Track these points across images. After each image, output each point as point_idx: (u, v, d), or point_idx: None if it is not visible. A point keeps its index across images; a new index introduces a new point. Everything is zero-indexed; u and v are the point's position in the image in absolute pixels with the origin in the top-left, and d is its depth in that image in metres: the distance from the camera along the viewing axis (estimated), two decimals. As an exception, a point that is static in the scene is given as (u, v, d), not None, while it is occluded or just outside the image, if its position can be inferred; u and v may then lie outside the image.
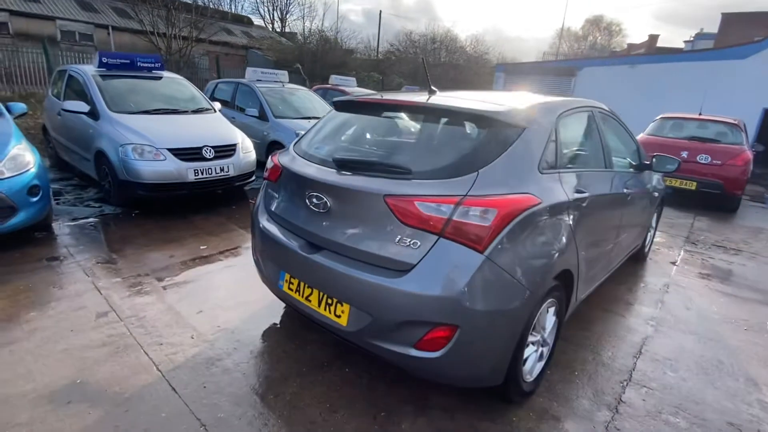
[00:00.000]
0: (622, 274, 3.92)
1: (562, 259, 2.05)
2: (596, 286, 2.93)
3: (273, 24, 36.89)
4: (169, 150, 4.62)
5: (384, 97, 2.34)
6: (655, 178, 3.89)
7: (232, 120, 6.34)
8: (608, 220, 2.74)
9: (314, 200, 2.05)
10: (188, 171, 4.66)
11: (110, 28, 24.23)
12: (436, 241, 1.74)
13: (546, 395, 2.24)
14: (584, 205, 2.28)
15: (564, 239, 2.06)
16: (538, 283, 1.86)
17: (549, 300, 2.09)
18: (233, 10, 35.60)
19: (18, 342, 2.37)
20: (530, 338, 2.04)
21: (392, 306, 1.79)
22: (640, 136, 7.67)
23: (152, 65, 5.86)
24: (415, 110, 2.22)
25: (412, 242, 1.77)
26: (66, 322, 2.59)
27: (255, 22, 35.18)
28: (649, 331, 2.96)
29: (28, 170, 3.61)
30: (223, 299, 2.99)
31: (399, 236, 1.80)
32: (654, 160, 3.51)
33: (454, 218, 1.70)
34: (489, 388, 1.98)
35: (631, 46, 32.23)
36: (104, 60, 5.48)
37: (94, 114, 4.95)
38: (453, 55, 33.50)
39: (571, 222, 2.12)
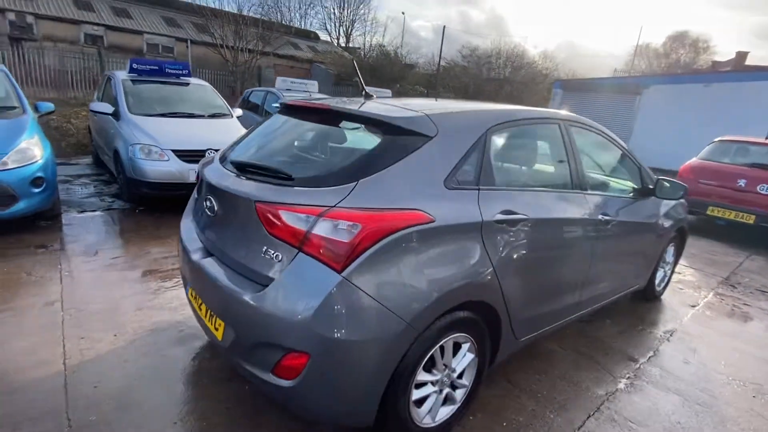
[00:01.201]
0: (618, 313, 3.42)
1: (468, 288, 1.77)
2: (558, 327, 2.54)
3: (338, 39, 38.22)
4: (173, 151, 4.81)
5: (306, 101, 2.20)
6: (668, 206, 3.36)
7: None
8: (571, 250, 2.37)
9: (207, 203, 1.96)
10: (190, 172, 4.82)
11: (189, 41, 26.40)
12: (296, 255, 1.56)
13: (456, 445, 1.94)
14: (516, 228, 1.97)
15: (472, 266, 1.78)
16: (421, 314, 1.60)
17: (453, 335, 1.82)
18: (303, 26, 37.42)
19: (-41, 321, 2.51)
20: (423, 377, 1.78)
21: (250, 324, 1.63)
22: (691, 161, 6.84)
23: (180, 72, 6.21)
24: (327, 115, 2.06)
25: (275, 254, 1.61)
26: (12, 307, 2.71)
27: (321, 38, 36.70)
28: (621, 384, 2.51)
29: (33, 163, 3.90)
30: (169, 299, 2.98)
31: (265, 247, 1.64)
32: (658, 184, 3.04)
33: (313, 231, 1.52)
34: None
35: (716, 63, 29.28)
36: (135, 66, 5.88)
37: (116, 115, 5.31)
38: (518, 71, 32.66)
39: (487, 247, 1.83)
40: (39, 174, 3.91)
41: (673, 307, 3.71)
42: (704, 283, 4.40)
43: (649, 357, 2.84)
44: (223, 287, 1.73)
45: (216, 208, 1.89)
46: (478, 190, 1.88)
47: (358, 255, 1.51)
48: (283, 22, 33.36)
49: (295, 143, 2.15)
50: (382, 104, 2.04)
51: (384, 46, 29.70)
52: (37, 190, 3.90)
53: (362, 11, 38.47)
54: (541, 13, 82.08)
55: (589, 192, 2.53)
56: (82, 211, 4.70)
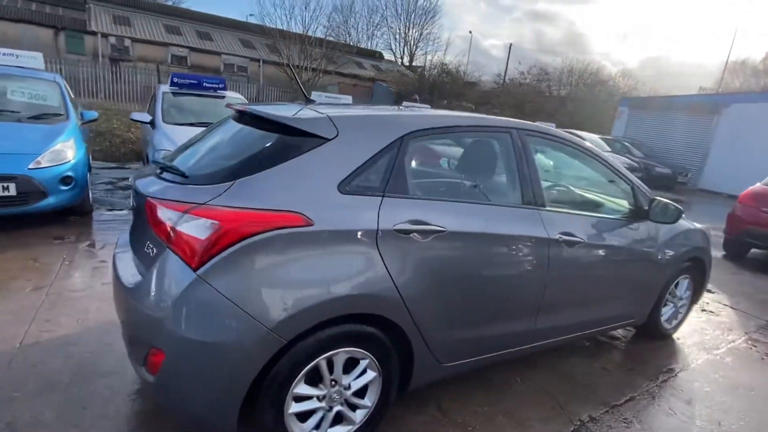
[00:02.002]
0: (610, 350, 3.03)
1: (356, 300, 1.66)
2: (507, 356, 2.30)
3: (402, 58, 38.99)
4: (192, 157, 5.13)
5: (240, 106, 2.23)
6: (674, 232, 2.95)
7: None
8: (513, 271, 2.14)
9: (133, 202, 2.05)
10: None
11: (261, 61, 28.40)
12: (163, 250, 1.57)
13: (349, 469, 1.81)
14: (428, 241, 1.82)
15: (361, 276, 1.67)
16: (289, 321, 1.53)
17: (343, 349, 1.71)
18: (370, 46, 38.71)
19: (-43, 297, 2.83)
20: (304, 390, 1.69)
21: (127, 317, 1.67)
22: (754, 186, 6.00)
23: (216, 86, 6.66)
24: (249, 117, 2.06)
25: (152, 248, 1.64)
26: (4, 288, 3.01)
27: (386, 57, 37.69)
28: (571, 429, 2.20)
29: (64, 163, 4.36)
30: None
31: (147, 242, 1.68)
32: (652, 205, 2.69)
33: (177, 227, 1.52)
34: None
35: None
36: (175, 80, 6.41)
37: (153, 123, 5.80)
38: (592, 89, 31.14)
39: (385, 257, 1.71)
40: (69, 173, 4.35)
41: (685, 349, 3.22)
42: (740, 325, 3.77)
43: (624, 401, 2.47)
44: (118, 279, 1.79)
45: (135, 207, 1.97)
46: (382, 196, 1.77)
47: (216, 254, 1.48)
48: (350, 43, 34.86)
49: (218, 145, 2.18)
50: (305, 108, 2.01)
51: (446, 65, 29.81)
52: (65, 188, 4.33)
53: (427, 31, 38.89)
54: (625, 28, 77.57)
55: (547, 209, 2.29)
56: (110, 209, 5.15)
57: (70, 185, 4.37)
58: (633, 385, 2.64)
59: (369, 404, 1.87)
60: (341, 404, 1.80)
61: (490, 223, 2.04)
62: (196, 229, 1.50)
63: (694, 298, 3.38)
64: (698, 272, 3.29)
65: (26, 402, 1.99)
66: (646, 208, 2.71)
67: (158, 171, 1.93)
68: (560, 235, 2.27)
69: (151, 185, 1.76)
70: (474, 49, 59.35)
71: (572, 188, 2.99)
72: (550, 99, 23.26)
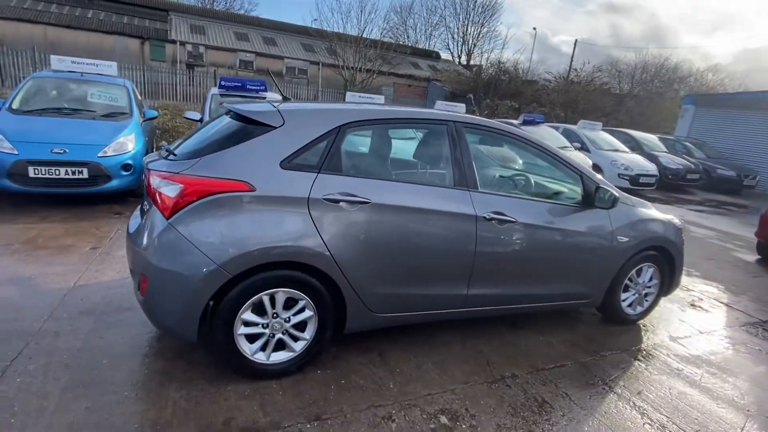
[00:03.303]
0: (564, 329, 3.26)
1: (290, 250, 2.15)
2: (440, 317, 2.69)
3: (459, 57, 38.84)
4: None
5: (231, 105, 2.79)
6: (633, 219, 3.12)
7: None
8: (438, 241, 2.51)
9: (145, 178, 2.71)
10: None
11: (320, 64, 29.81)
12: (150, 206, 2.18)
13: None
14: (355, 210, 2.28)
15: (294, 232, 2.16)
16: (233, 261, 2.06)
17: (282, 289, 2.22)
18: (428, 46, 39.01)
19: (26, 246, 3.74)
20: (251, 317, 2.21)
21: (129, 255, 2.31)
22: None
23: (258, 87, 7.47)
24: (231, 112, 2.61)
25: (147, 206, 2.26)
26: (70, 245, 3.88)
27: (443, 56, 37.76)
28: (484, 386, 2.53)
29: (125, 153, 5.31)
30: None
31: (145, 202, 2.30)
32: (597, 193, 2.91)
33: (159, 189, 2.12)
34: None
35: None
36: (223, 83, 7.30)
37: (201, 121, 6.71)
38: (670, 85, 29.17)
39: (315, 220, 2.19)
40: (128, 161, 5.29)
41: (643, 334, 3.35)
42: (725, 321, 3.77)
43: (552, 367, 2.74)
44: (127, 231, 2.45)
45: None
46: (318, 173, 2.26)
47: (181, 208, 2.06)
48: (408, 44, 35.40)
49: (205, 133, 2.77)
50: (269, 103, 2.54)
51: (503, 63, 29.37)
52: (126, 174, 5.28)
53: (486, 29, 38.40)
54: (717, 19, 70.57)
55: (479, 191, 2.64)
56: (163, 193, 6.09)
57: (129, 171, 5.31)
58: (569, 357, 2.89)
59: (307, 337, 2.37)
60: (282, 333, 2.32)
61: (416, 199, 2.45)
62: (170, 190, 2.08)
63: (664, 288, 3.48)
64: (665, 263, 3.40)
65: (70, 320, 2.72)
66: (593, 195, 2.94)
67: (165, 153, 2.56)
68: (490, 214, 2.61)
69: (152, 162, 2.39)
70: (542, 45, 57.32)
71: (530, 177, 3.26)
72: (608, 97, 22.10)
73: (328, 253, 2.24)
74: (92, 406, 2.02)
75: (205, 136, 2.45)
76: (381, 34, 29.67)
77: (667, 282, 3.48)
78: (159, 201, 2.11)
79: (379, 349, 2.73)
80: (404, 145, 2.95)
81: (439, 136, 2.65)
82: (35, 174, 4.79)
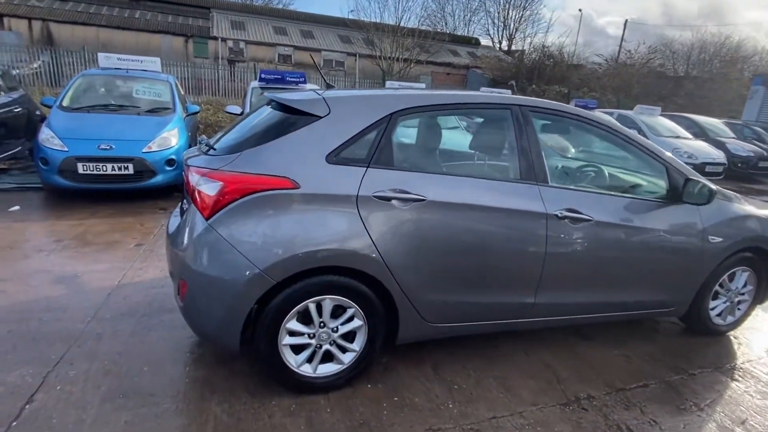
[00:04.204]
0: (634, 337, 2.88)
1: (337, 254, 1.93)
2: (504, 327, 2.39)
3: (500, 43, 37.47)
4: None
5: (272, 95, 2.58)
6: (724, 216, 2.68)
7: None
8: (503, 243, 2.21)
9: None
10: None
11: (357, 55, 29.60)
12: (189, 205, 2.01)
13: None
14: (408, 207, 2.02)
15: (342, 234, 1.93)
16: (277, 265, 1.86)
17: (329, 296, 2.00)
18: (467, 33, 37.89)
19: (74, 243, 3.74)
20: (296, 326, 2.02)
21: (168, 256, 2.15)
22: None
23: (297, 80, 7.34)
24: (272, 102, 2.40)
25: (186, 204, 2.09)
26: (115, 242, 3.86)
27: (483, 43, 36.56)
28: (557, 410, 2.22)
29: (169, 148, 5.30)
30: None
31: (185, 199, 2.14)
32: (686, 186, 2.50)
33: (198, 186, 1.94)
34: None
35: None
36: (263, 76, 7.22)
37: (242, 113, 6.65)
38: (733, 65, 26.91)
39: (365, 220, 1.95)
40: (172, 156, 5.28)
41: (737, 348, 2.90)
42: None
43: (634, 387, 2.38)
44: (167, 231, 2.31)
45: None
46: (367, 167, 2.02)
47: (222, 207, 1.87)
48: (446, 31, 34.48)
49: (246, 126, 2.58)
50: (313, 91, 2.31)
51: (547, 47, 27.99)
52: (170, 169, 5.27)
53: (528, 12, 36.78)
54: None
55: (550, 185, 2.31)
56: (206, 188, 6.08)
57: (173, 166, 5.30)
58: (652, 375, 2.52)
59: (357, 348, 2.15)
60: (330, 344, 2.11)
61: (477, 195, 2.15)
62: (209, 188, 1.90)
63: (760, 295, 3.01)
64: (762, 266, 2.92)
65: (113, 322, 2.64)
66: (681, 189, 2.53)
67: (205, 148, 2.40)
68: (562, 212, 2.27)
69: (191, 157, 2.23)
70: (587, 28, 54.41)
71: (603, 168, 2.88)
72: (664, 80, 20.44)
73: (378, 256, 1.99)
74: (132, 420, 1.89)
75: (246, 128, 2.26)
76: (419, 22, 29.04)
77: (764, 288, 3.00)
78: (198, 200, 1.93)
79: (432, 361, 2.47)
80: (452, 135, 2.65)
81: (502, 122, 2.34)
82: (84, 170, 4.85)
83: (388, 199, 2.00)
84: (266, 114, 2.26)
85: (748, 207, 2.89)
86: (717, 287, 2.86)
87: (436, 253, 2.12)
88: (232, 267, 1.86)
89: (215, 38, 26.37)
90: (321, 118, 2.03)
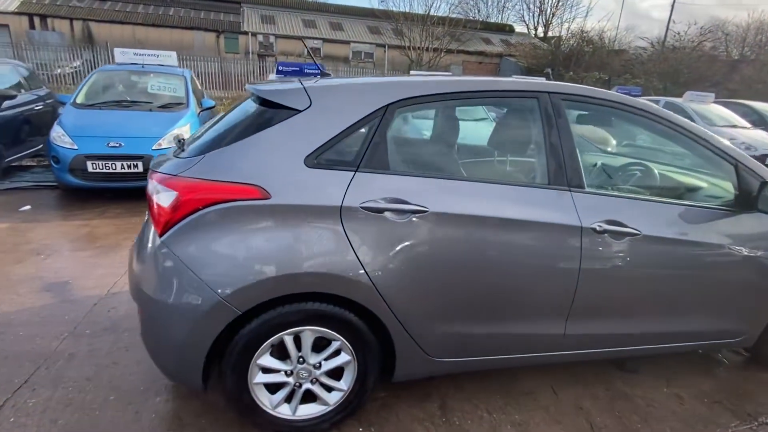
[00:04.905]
0: (690, 371, 2.39)
1: (316, 278, 1.59)
2: (527, 362, 1.98)
3: (536, 29, 35.84)
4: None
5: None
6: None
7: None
8: (527, 262, 1.80)
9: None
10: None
11: (386, 46, 29.06)
12: (147, 218, 1.71)
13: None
14: (406, 221, 1.64)
15: (322, 255, 1.59)
16: (242, 292, 1.53)
17: (309, 328, 1.66)
18: (501, 20, 36.50)
19: (75, 245, 3.58)
20: (270, 363, 1.69)
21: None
22: None
23: (315, 72, 7.00)
24: (252, 94, 2.06)
25: (145, 215, 1.80)
26: (117, 244, 3.68)
27: (517, 30, 35.10)
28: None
29: (179, 145, 5.12)
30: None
31: (148, 212, 1.85)
32: (763, 191, 1.99)
33: (153, 196, 1.64)
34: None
35: None
36: (280, 68, 6.92)
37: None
38: None
39: (350, 237, 1.60)
40: (183, 153, 5.09)
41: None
42: None
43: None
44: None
45: None
46: (355, 171, 1.65)
47: (176, 222, 1.56)
48: (480, 18, 33.27)
49: (222, 122, 2.24)
50: (298, 80, 1.96)
51: (586, 32, 26.45)
52: (180, 166, 5.09)
53: (566, -4, 34.92)
54: None
55: (586, 191, 1.87)
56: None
57: (184, 164, 5.11)
58: (712, 422, 2.04)
59: (344, 387, 1.80)
60: (312, 383, 1.77)
61: (494, 204, 1.75)
62: (163, 198, 1.60)
63: None
64: None
65: (90, 338, 2.42)
66: (754, 194, 2.02)
67: (177, 149, 2.09)
68: (601, 225, 1.83)
69: (158, 160, 1.93)
70: (629, 12, 51.38)
71: (652, 168, 2.39)
72: (717, 64, 18.70)
73: (368, 280, 1.63)
74: (80, 467, 1.64)
75: (221, 125, 1.94)
76: (449, 10, 28.12)
77: None
78: (153, 212, 1.63)
79: (440, 398, 2.10)
80: (475, 130, 2.24)
81: (527, 114, 1.91)
82: (93, 168, 4.73)
83: (381, 210, 1.63)
84: (245, 108, 1.93)
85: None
86: (797, 313, 2.33)
87: (442, 277, 1.73)
88: (188, 293, 1.55)
89: (246, 33, 26.52)
90: (300, 112, 1.67)
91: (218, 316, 1.56)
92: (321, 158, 1.64)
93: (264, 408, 1.74)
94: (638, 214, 1.92)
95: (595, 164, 2.44)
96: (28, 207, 4.65)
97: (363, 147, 1.68)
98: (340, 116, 1.68)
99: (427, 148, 2.06)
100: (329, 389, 1.81)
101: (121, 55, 6.31)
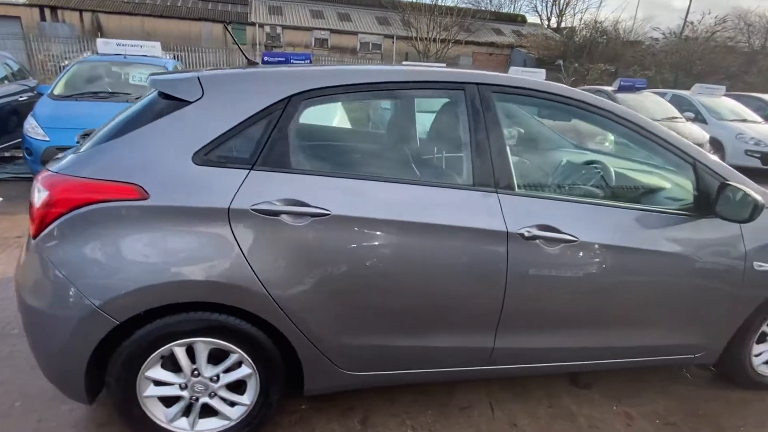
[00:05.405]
0: (646, 388, 2.20)
1: (199, 287, 1.45)
2: (457, 377, 1.83)
3: (549, 20, 34.99)
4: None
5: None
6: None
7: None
8: (446, 270, 1.64)
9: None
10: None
11: (395, 37, 28.67)
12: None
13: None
14: (305, 225, 1.50)
15: (207, 261, 1.45)
16: (119, 300, 1.41)
17: (201, 339, 1.54)
18: (513, 10, 35.73)
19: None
20: (159, 375, 1.57)
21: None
22: None
23: (302, 62, 6.86)
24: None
25: (37, 216, 1.68)
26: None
27: (529, 20, 34.32)
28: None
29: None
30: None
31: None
32: (722, 194, 1.79)
33: (31, 194, 1.52)
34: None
35: None
36: (266, 59, 6.79)
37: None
38: None
39: (241, 242, 1.46)
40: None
41: (793, 410, 2.15)
42: None
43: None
44: None
45: None
46: (250, 169, 1.51)
47: (49, 223, 1.44)
48: (490, 9, 32.58)
49: (121, 114, 2.09)
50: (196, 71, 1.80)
51: (600, 23, 25.67)
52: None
53: (581, -15, 33.99)
54: None
55: (516, 192, 1.69)
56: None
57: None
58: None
59: (247, 402, 1.68)
60: (210, 396, 1.65)
61: (406, 208, 1.58)
62: (37, 196, 1.48)
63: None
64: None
65: (19, 337, 2.33)
66: (714, 196, 1.82)
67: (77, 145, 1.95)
68: (531, 230, 1.65)
69: (57, 156, 1.81)
70: (648, 2, 49.82)
71: (609, 168, 2.19)
72: (732, 55, 17.87)
73: (262, 289, 1.49)
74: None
75: (117, 118, 1.79)
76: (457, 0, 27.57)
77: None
78: (30, 212, 1.52)
79: (364, 412, 1.96)
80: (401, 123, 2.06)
81: (452, 107, 1.73)
82: (65, 161, 4.67)
83: (276, 213, 1.49)
84: (145, 100, 1.79)
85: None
86: (765, 327, 2.13)
87: (348, 287, 1.58)
88: (62, 300, 1.43)
89: (253, 24, 26.41)
90: (191, 103, 1.53)
91: (94, 326, 1.44)
92: (212, 155, 1.50)
93: (158, 422, 1.62)
94: (577, 219, 1.74)
95: (541, 163, 2.25)
96: (0, 199, 4.62)
97: (260, 143, 1.53)
98: (236, 108, 1.54)
99: (337, 145, 1.90)
100: (232, 403, 1.69)
101: (103, 45, 6.23)
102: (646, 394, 2.19)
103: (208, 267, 1.46)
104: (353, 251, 1.55)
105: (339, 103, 2.06)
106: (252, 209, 1.47)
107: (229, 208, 1.46)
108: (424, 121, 2.09)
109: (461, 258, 1.63)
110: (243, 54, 2.20)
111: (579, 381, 2.22)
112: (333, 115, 1.95)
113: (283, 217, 1.49)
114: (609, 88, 8.95)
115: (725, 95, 9.68)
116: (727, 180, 1.83)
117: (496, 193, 1.67)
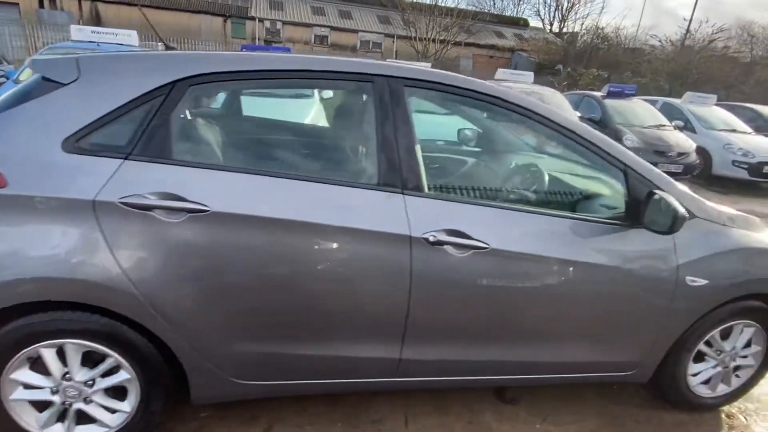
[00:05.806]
0: (569, 407, 2.09)
1: (57, 284, 1.35)
2: (363, 387, 1.72)
3: (551, 24, 34.84)
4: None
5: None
6: (712, 250, 1.83)
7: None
8: (343, 275, 1.53)
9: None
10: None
11: (395, 36, 28.54)
12: None
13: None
14: (182, 221, 1.38)
15: (69, 256, 1.34)
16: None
17: (71, 340, 1.43)
18: (517, 14, 35.60)
19: None
20: (26, 377, 1.46)
21: None
22: None
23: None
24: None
25: None
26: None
27: (532, 24, 34.17)
28: None
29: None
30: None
31: None
32: (650, 203, 1.67)
33: None
34: None
35: None
36: (243, 50, 6.70)
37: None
38: None
39: (108, 236, 1.35)
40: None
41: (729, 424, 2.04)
42: None
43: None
44: None
45: None
46: (124, 159, 1.39)
47: None
48: (493, 12, 32.45)
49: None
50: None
51: (601, 29, 25.55)
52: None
53: (584, -9, 33.83)
54: None
55: (425, 194, 1.58)
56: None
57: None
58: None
59: (128, 409, 1.56)
60: (85, 402, 1.53)
61: (297, 206, 1.47)
62: None
63: (772, 359, 2.11)
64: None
65: None
66: (638, 207, 1.71)
67: None
68: (436, 235, 1.54)
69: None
70: (654, 9, 49.65)
71: (542, 172, 2.07)
72: (728, 65, 17.69)
73: (132, 289, 1.38)
74: None
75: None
76: (459, 0, 27.42)
77: (782, 350, 2.10)
78: None
79: (269, 422, 1.85)
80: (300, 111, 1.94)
81: (358, 100, 1.62)
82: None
83: (147, 207, 1.37)
84: (26, 82, 1.67)
85: (761, 236, 1.99)
86: (702, 346, 2.01)
87: (231, 290, 1.47)
88: None
89: (253, 19, 26.29)
90: (64, 85, 1.42)
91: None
92: (84, 142, 1.39)
93: (27, 427, 1.51)
94: (492, 225, 1.62)
95: (463, 164, 2.13)
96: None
97: (139, 131, 1.42)
98: (114, 92, 1.42)
99: (227, 136, 1.79)
100: (114, 410, 1.58)
101: (77, 32, 6.13)
102: (574, 413, 2.07)
103: (72, 264, 1.35)
104: (235, 252, 1.44)
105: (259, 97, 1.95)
106: (120, 202, 1.35)
107: (94, 201, 1.34)
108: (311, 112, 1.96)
109: (356, 263, 1.52)
110: (164, 41, 2.09)
111: (505, 396, 2.10)
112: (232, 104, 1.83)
113: (156, 212, 1.38)
114: (598, 94, 8.85)
115: (717, 105, 9.57)
116: (657, 187, 1.71)
117: (402, 194, 1.55)
